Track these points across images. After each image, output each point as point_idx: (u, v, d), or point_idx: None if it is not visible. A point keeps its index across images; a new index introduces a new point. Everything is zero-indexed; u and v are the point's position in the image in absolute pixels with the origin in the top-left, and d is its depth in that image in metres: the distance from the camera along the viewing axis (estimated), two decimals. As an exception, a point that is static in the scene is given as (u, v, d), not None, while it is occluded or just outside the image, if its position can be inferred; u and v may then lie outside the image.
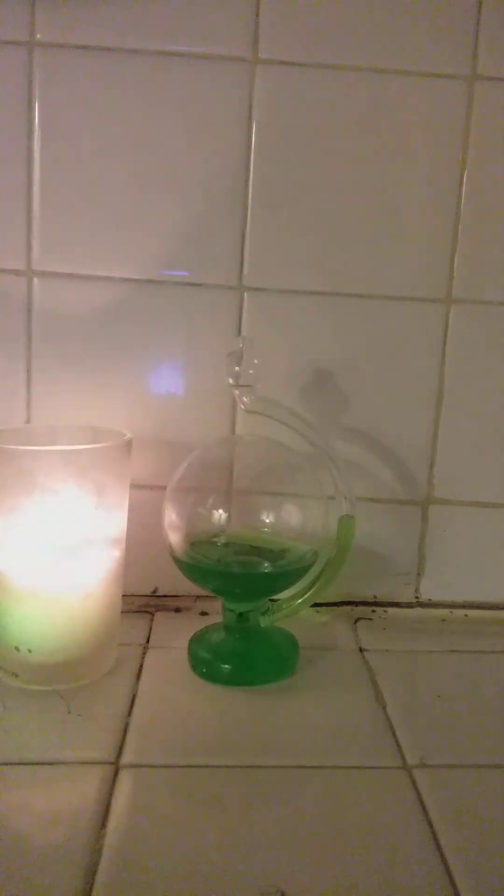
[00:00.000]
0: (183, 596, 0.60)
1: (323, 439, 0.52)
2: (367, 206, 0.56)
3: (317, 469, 0.51)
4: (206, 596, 0.59)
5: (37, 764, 0.39)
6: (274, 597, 0.52)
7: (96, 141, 0.55)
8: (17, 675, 0.47)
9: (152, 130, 0.55)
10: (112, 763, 0.39)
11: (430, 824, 0.36)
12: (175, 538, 0.50)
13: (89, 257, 0.56)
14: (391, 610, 0.61)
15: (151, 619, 0.58)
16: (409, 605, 0.61)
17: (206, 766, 0.40)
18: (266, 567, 0.49)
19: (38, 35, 0.53)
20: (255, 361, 0.49)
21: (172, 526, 0.50)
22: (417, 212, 0.57)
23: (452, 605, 0.61)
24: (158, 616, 0.58)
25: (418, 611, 0.61)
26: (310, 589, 0.51)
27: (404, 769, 0.40)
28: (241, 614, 0.50)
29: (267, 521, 0.50)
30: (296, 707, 0.46)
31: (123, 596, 0.51)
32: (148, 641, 0.54)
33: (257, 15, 0.54)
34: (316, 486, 0.50)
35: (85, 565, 0.47)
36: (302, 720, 0.45)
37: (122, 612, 0.51)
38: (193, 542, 0.50)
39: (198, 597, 0.60)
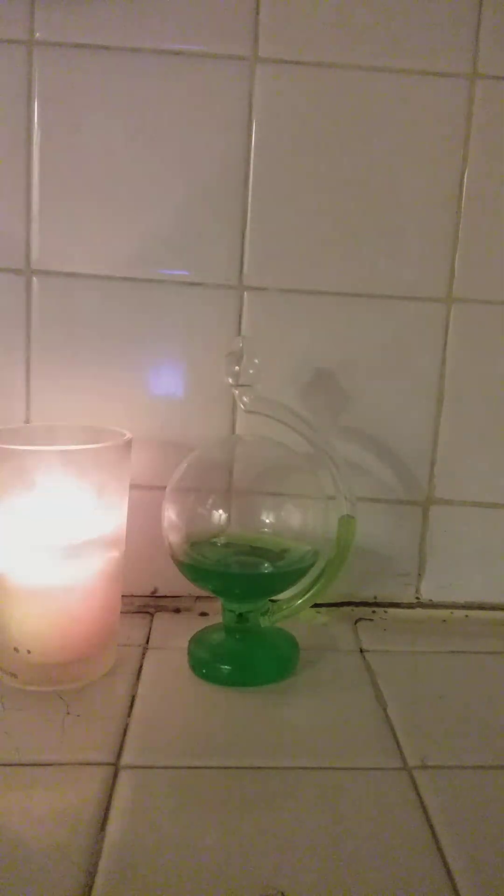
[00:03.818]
0: (183, 596, 0.60)
1: (323, 439, 0.51)
2: (367, 205, 0.56)
3: (317, 469, 0.51)
4: (206, 596, 0.59)
5: (36, 765, 0.39)
6: (274, 597, 0.52)
7: (95, 139, 0.55)
8: (15, 676, 0.47)
9: (152, 129, 0.55)
10: (112, 764, 0.39)
11: (431, 825, 0.36)
12: (175, 538, 0.50)
13: (89, 256, 0.56)
14: (392, 610, 0.61)
15: (151, 620, 0.58)
16: (410, 606, 0.61)
17: (206, 768, 0.40)
18: (266, 567, 0.49)
19: (38, 34, 0.53)
20: (256, 361, 0.49)
21: (172, 526, 0.50)
22: (418, 211, 0.57)
23: (453, 606, 0.61)
24: (158, 616, 0.58)
25: (419, 611, 0.61)
26: (310, 589, 0.51)
27: (405, 770, 0.40)
28: (240, 615, 0.50)
29: (267, 521, 0.50)
30: (296, 708, 0.46)
31: (123, 596, 0.51)
32: (148, 642, 0.54)
33: (257, 13, 0.54)
34: (316, 486, 0.50)
35: (84, 565, 0.47)
36: (302, 721, 0.44)
37: (121, 613, 0.51)
38: (193, 543, 0.50)
39: (198, 597, 0.60)
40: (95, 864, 0.32)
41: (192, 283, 0.56)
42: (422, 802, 0.37)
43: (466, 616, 0.61)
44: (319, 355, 0.58)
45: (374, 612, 0.61)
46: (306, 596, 0.51)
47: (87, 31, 0.53)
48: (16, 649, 0.46)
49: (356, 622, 0.59)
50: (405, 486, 0.60)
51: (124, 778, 0.38)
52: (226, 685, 0.48)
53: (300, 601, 0.51)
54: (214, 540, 0.50)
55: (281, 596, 0.52)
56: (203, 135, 0.55)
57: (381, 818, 0.36)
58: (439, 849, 0.34)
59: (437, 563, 0.61)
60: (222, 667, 0.49)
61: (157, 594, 0.60)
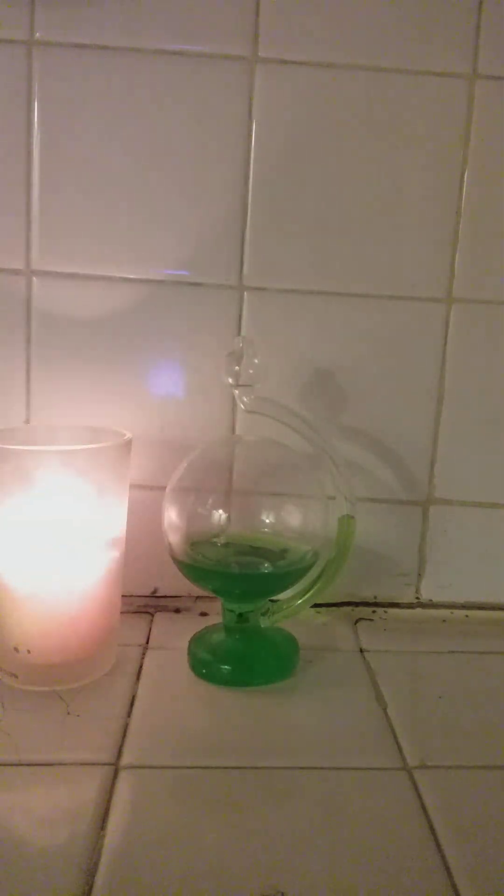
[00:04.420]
0: (183, 596, 0.60)
1: (323, 439, 0.51)
2: (367, 205, 0.56)
3: (317, 469, 0.51)
4: (206, 596, 0.59)
5: (36, 765, 0.39)
6: (274, 597, 0.52)
7: (95, 140, 0.55)
8: (16, 676, 0.47)
9: (152, 129, 0.55)
10: (111, 764, 0.39)
11: (431, 825, 0.36)
12: (175, 538, 0.50)
13: (88, 257, 0.56)
14: (392, 610, 0.61)
15: (151, 620, 0.57)
16: (410, 606, 0.61)
17: (206, 768, 0.40)
18: (266, 567, 0.49)
19: (38, 34, 0.53)
20: (256, 361, 0.49)
21: (172, 526, 0.50)
22: (418, 211, 0.57)
23: (453, 606, 0.61)
24: (158, 616, 0.58)
25: (419, 611, 0.61)
26: (310, 589, 0.51)
27: (405, 770, 0.40)
28: (240, 615, 0.50)
29: (267, 521, 0.50)
30: (296, 708, 0.46)
31: (123, 596, 0.51)
32: (147, 642, 0.54)
33: (257, 13, 0.54)
34: (316, 486, 0.50)
35: (84, 565, 0.47)
36: (302, 721, 0.44)
37: (121, 613, 0.51)
38: (193, 543, 0.50)
39: (198, 597, 0.60)
40: (95, 864, 0.32)
41: (192, 283, 0.56)
42: (422, 802, 0.37)
43: (466, 616, 0.61)
44: (319, 355, 0.58)
45: (374, 612, 0.61)
46: (306, 596, 0.51)
47: (87, 31, 0.53)
48: (16, 649, 0.46)
49: (356, 622, 0.59)
50: (405, 486, 0.60)
51: (124, 778, 0.38)
52: (226, 685, 0.48)
53: (300, 601, 0.51)
54: (214, 540, 0.50)
55: (281, 596, 0.52)
56: (203, 135, 0.55)
57: (381, 818, 0.36)
58: (439, 848, 0.34)
59: (437, 563, 0.61)
60: (222, 667, 0.49)
61: (157, 594, 0.60)
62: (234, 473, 0.54)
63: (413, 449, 0.59)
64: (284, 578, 0.49)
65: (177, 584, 0.56)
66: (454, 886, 0.32)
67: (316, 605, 0.56)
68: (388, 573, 0.61)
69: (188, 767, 0.40)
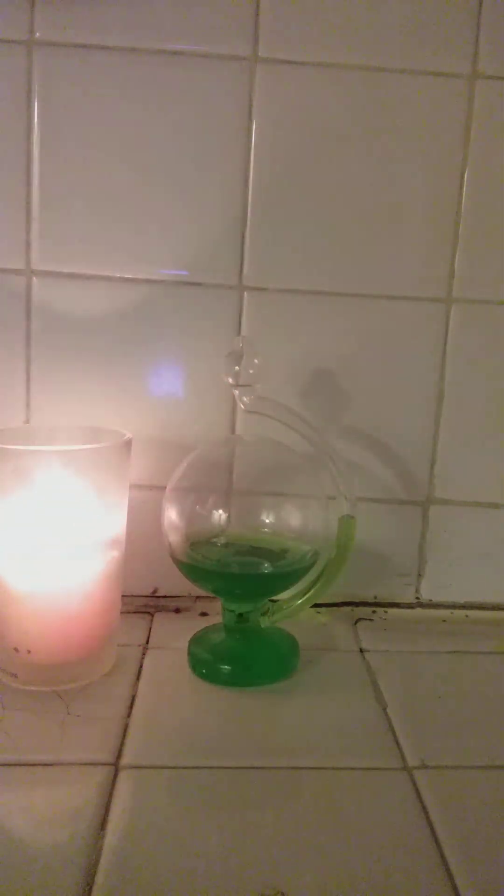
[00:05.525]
0: (183, 596, 0.60)
1: (323, 439, 0.51)
2: (367, 205, 0.56)
3: (317, 469, 0.51)
4: (206, 596, 0.59)
5: (36, 765, 0.39)
6: (274, 597, 0.52)
7: (95, 140, 0.55)
8: (16, 676, 0.47)
9: (152, 129, 0.55)
10: (111, 764, 0.39)
11: (430, 825, 0.36)
12: (175, 538, 0.50)
13: (89, 257, 0.56)
14: (392, 610, 0.61)
15: (151, 620, 0.57)
16: (410, 606, 0.61)
17: (206, 767, 0.40)
18: (266, 567, 0.49)
19: (38, 34, 0.53)
20: (256, 361, 0.49)
21: (172, 526, 0.50)
22: (418, 211, 0.57)
23: (453, 606, 0.61)
24: (158, 617, 0.58)
25: (419, 611, 0.61)
26: (310, 589, 0.51)
27: (405, 770, 0.40)
28: (240, 615, 0.50)
29: (267, 521, 0.50)
30: (296, 708, 0.46)
31: (123, 596, 0.51)
32: (147, 642, 0.54)
33: (257, 13, 0.54)
34: (316, 486, 0.50)
35: (84, 566, 0.47)
36: (302, 721, 0.44)
37: (121, 613, 0.51)
38: (193, 543, 0.50)
39: (198, 597, 0.60)
40: (95, 864, 0.32)
41: (192, 283, 0.56)
42: (421, 802, 0.37)
43: (466, 616, 0.61)
44: (319, 355, 0.58)
45: (374, 612, 0.61)
46: (306, 596, 0.51)
47: (87, 31, 0.53)
48: (16, 649, 0.46)
49: (356, 622, 0.59)
50: (405, 486, 0.60)
51: (124, 778, 0.38)
52: (226, 685, 0.48)
53: (300, 601, 0.51)
54: (214, 540, 0.50)
55: (281, 596, 0.52)
56: (203, 134, 0.55)
57: (381, 818, 0.36)
58: (439, 848, 0.34)
59: (437, 563, 0.61)
60: (222, 667, 0.49)
61: (157, 594, 0.60)
62: (234, 473, 0.54)
63: (413, 449, 0.59)
64: (284, 578, 0.49)
65: (177, 584, 0.56)
66: (454, 886, 0.32)
67: (316, 605, 0.56)
68: (388, 573, 0.61)
69: (188, 767, 0.40)
